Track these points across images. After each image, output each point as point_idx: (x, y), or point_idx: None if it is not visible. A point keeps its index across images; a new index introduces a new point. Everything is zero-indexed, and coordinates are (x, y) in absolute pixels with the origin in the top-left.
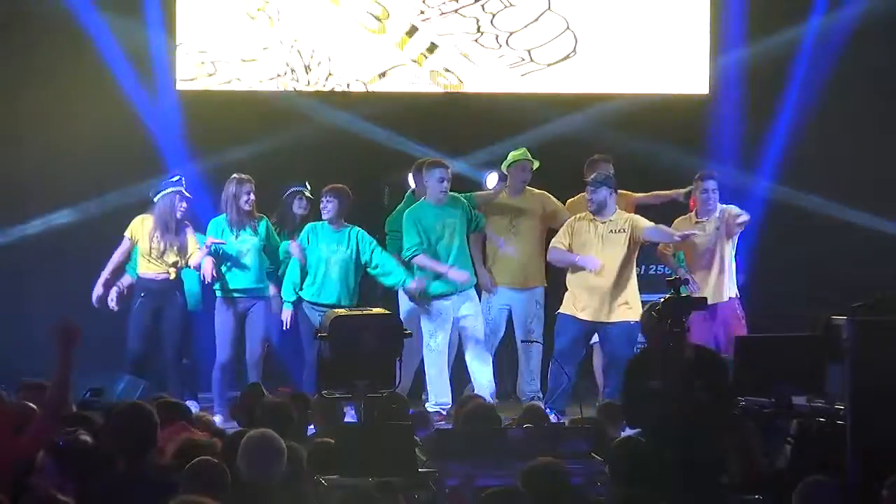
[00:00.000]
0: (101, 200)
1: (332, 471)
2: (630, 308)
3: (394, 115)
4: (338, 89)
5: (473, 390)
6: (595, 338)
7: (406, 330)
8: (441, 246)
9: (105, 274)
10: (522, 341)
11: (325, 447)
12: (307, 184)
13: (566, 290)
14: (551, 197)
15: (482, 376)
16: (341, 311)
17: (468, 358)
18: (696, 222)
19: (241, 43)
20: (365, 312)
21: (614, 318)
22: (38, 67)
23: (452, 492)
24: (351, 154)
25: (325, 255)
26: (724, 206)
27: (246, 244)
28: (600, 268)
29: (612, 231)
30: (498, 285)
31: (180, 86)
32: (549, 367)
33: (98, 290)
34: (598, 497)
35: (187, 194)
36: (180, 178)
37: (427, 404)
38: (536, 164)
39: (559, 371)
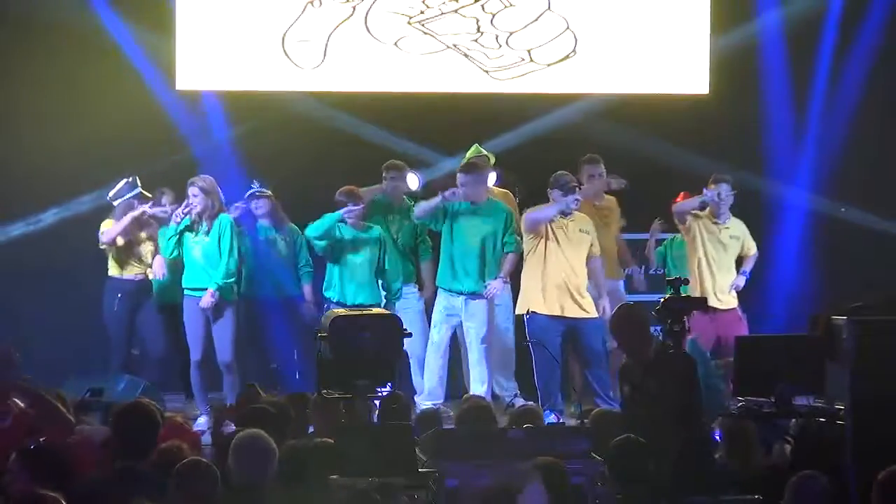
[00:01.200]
0: (95, 199)
1: (332, 471)
2: (591, 304)
3: (393, 114)
4: (337, 89)
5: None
6: None
7: (406, 330)
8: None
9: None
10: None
11: (325, 447)
12: (253, 183)
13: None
14: (510, 195)
15: (479, 384)
16: (341, 311)
17: (470, 363)
18: (714, 222)
19: (241, 42)
20: (365, 312)
21: (587, 314)
22: (35, 67)
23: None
24: (350, 154)
25: (352, 256)
26: (738, 222)
27: (201, 242)
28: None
29: (579, 230)
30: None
31: (179, 86)
32: (535, 368)
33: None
34: (598, 497)
35: (147, 195)
36: (134, 178)
37: (417, 397)
38: (492, 160)
39: (551, 371)
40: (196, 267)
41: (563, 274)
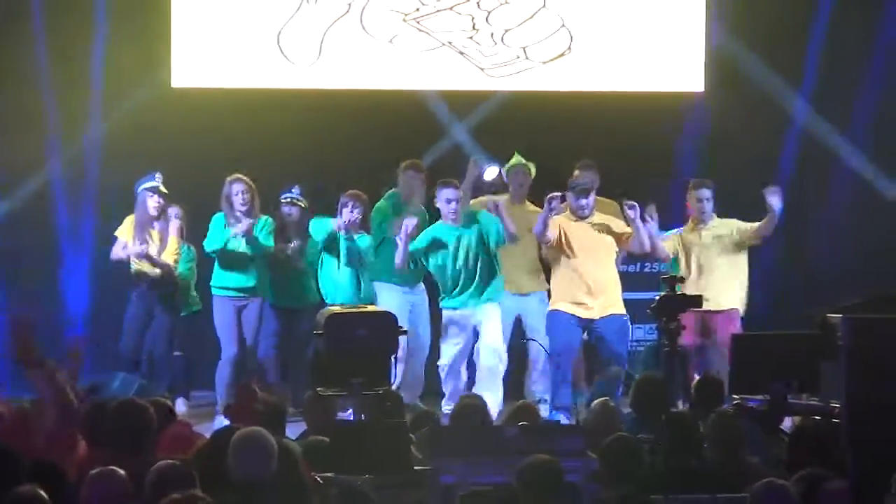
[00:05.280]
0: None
1: (326, 468)
2: (617, 303)
3: (390, 112)
4: (333, 86)
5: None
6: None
7: (401, 327)
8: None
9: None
10: (522, 339)
11: (319, 445)
12: (293, 189)
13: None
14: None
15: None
16: (336, 309)
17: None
18: (693, 230)
19: (236, 40)
20: (360, 310)
21: (607, 313)
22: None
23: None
24: (345, 151)
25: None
26: (725, 220)
27: (240, 243)
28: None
29: (597, 231)
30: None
31: (175, 83)
32: (550, 367)
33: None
34: (593, 494)
35: (163, 190)
36: (152, 175)
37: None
38: (532, 170)
39: (559, 369)
40: (235, 267)
41: (587, 275)
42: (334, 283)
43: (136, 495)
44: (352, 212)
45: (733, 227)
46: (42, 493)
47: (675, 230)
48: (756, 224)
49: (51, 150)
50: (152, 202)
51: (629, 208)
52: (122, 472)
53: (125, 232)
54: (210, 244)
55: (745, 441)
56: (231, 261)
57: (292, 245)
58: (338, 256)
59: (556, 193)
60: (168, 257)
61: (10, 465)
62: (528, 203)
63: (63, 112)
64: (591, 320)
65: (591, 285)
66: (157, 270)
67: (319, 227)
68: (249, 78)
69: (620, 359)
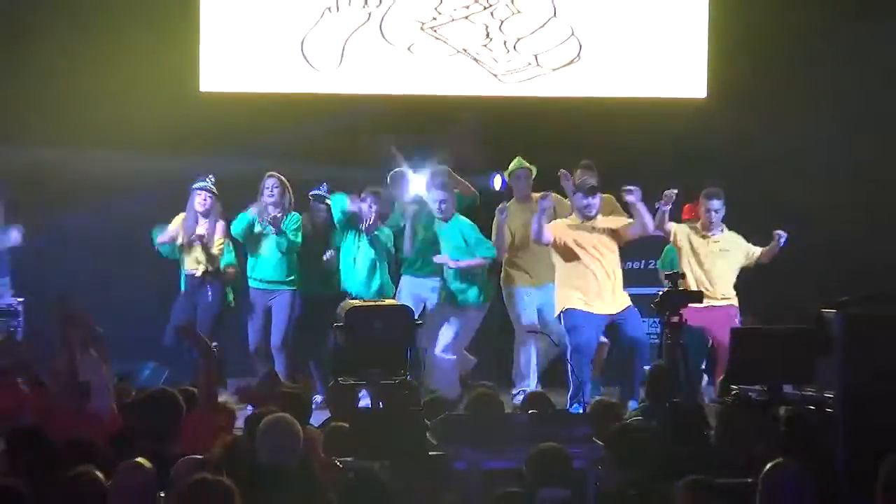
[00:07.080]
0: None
1: (346, 454)
2: (626, 296)
3: (408, 117)
4: (353, 91)
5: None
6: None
7: (418, 320)
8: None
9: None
10: (529, 331)
11: (339, 431)
12: (322, 185)
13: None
14: (563, 200)
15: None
16: (356, 302)
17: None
18: (703, 236)
19: (263, 46)
20: (378, 303)
21: (624, 306)
22: (56, 66)
23: None
24: (367, 155)
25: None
26: (734, 236)
27: (269, 236)
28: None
29: (601, 232)
30: (518, 284)
31: (203, 88)
32: (569, 363)
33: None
34: (599, 479)
35: (212, 189)
36: (205, 177)
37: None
38: (534, 170)
39: (581, 365)
40: (264, 260)
41: (595, 275)
42: (351, 274)
43: (160, 483)
44: (371, 208)
45: (742, 249)
46: (99, 474)
47: (684, 223)
48: (759, 250)
49: (76, 153)
50: (199, 199)
51: (628, 193)
52: (149, 464)
53: (175, 225)
54: (235, 226)
55: (748, 429)
56: (258, 254)
57: (328, 254)
58: (354, 247)
59: (546, 192)
60: (215, 249)
61: (43, 445)
62: (533, 201)
63: (92, 116)
64: (610, 315)
65: (602, 284)
66: (202, 268)
67: (336, 204)
68: (274, 83)
69: (640, 344)
